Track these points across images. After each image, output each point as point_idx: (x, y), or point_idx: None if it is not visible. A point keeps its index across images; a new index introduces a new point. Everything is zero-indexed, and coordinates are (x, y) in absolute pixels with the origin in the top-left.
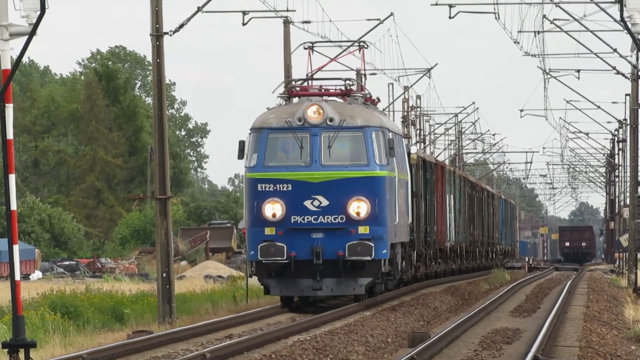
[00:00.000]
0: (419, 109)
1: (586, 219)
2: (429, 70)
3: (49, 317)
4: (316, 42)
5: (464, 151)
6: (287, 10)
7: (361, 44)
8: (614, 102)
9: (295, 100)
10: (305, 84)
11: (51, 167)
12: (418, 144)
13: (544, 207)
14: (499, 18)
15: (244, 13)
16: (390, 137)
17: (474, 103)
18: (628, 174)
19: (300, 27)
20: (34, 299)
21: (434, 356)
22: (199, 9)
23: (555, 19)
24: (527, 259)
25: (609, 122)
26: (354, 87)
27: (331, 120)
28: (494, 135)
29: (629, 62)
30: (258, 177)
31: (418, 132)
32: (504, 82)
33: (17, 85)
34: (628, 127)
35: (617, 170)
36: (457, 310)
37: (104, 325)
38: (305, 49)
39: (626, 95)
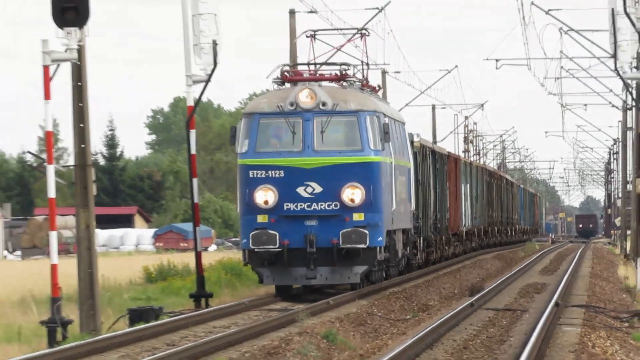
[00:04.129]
0: (475, 132)
1: (591, 207)
2: (482, 105)
3: (223, 277)
4: (318, 30)
5: (506, 160)
6: None
7: (362, 31)
8: (610, 126)
9: (289, 85)
10: (300, 69)
11: (222, 173)
12: (475, 156)
13: (562, 199)
14: (530, 69)
15: None
16: (386, 121)
17: (513, 127)
18: (620, 176)
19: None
20: (210, 264)
21: (487, 302)
22: None
23: (569, 69)
24: (550, 235)
25: (607, 140)
26: (349, 72)
27: (324, 104)
28: (527, 149)
29: (620, 99)
30: (249, 164)
31: (475, 147)
32: (534, 113)
33: (198, 117)
34: (620, 143)
35: (612, 174)
36: (503, 270)
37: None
38: (307, 37)
39: (619, 121)
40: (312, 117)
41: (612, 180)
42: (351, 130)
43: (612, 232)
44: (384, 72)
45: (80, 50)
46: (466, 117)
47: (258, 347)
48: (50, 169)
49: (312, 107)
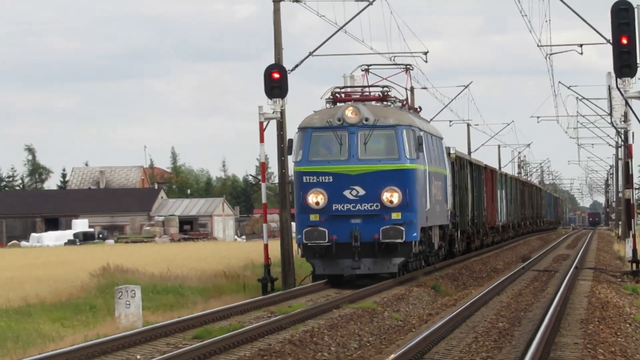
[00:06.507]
0: (524, 161)
1: (596, 207)
2: (528, 144)
3: None
4: (371, 64)
5: (544, 179)
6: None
7: (407, 67)
8: (608, 157)
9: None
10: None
11: None
12: (526, 176)
13: (578, 202)
14: (558, 122)
15: None
16: (421, 134)
17: (548, 158)
18: (614, 188)
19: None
20: None
21: (533, 266)
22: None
23: (582, 123)
24: (571, 225)
25: (606, 166)
26: (390, 94)
27: (366, 120)
28: (557, 172)
29: (614, 140)
30: (303, 170)
31: (524, 170)
32: (561, 149)
33: None
34: (614, 168)
35: (609, 186)
36: (543, 246)
37: None
38: (362, 71)
39: (613, 154)
40: (357, 131)
41: (610, 190)
42: (390, 141)
43: (610, 222)
44: (468, 125)
45: (282, 112)
46: (519, 152)
47: (392, 294)
48: (263, 186)
49: (356, 122)
